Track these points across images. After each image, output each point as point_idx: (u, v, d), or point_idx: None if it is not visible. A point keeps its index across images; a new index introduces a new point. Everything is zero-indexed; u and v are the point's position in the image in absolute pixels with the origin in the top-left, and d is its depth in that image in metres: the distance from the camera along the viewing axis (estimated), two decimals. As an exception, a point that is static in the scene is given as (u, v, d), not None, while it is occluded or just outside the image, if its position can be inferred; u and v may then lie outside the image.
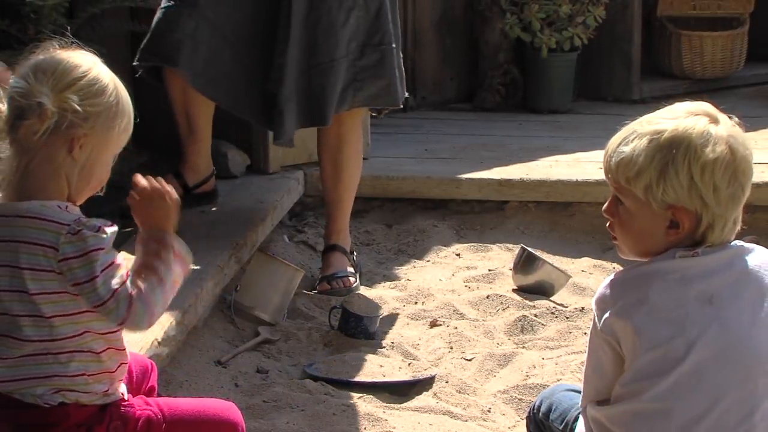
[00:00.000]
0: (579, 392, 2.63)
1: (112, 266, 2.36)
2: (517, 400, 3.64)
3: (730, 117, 2.40)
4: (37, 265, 2.35)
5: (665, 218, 2.36)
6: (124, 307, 2.35)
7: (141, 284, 2.38)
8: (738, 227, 2.41)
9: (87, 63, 2.40)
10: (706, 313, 2.34)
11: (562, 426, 2.64)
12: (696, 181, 2.32)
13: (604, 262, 4.85)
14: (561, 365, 3.87)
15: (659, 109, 2.44)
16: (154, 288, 2.39)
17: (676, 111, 2.39)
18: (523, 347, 4.07)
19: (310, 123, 4.37)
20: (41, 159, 2.37)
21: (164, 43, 4.21)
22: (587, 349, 2.47)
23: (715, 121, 2.37)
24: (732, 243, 2.40)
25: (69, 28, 2.54)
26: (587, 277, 4.72)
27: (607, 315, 2.37)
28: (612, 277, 2.43)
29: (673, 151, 2.32)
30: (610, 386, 2.42)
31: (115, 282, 2.35)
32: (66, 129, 2.35)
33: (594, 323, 2.41)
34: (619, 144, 2.38)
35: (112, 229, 2.38)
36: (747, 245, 2.42)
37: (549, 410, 2.69)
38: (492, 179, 5.33)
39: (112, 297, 2.34)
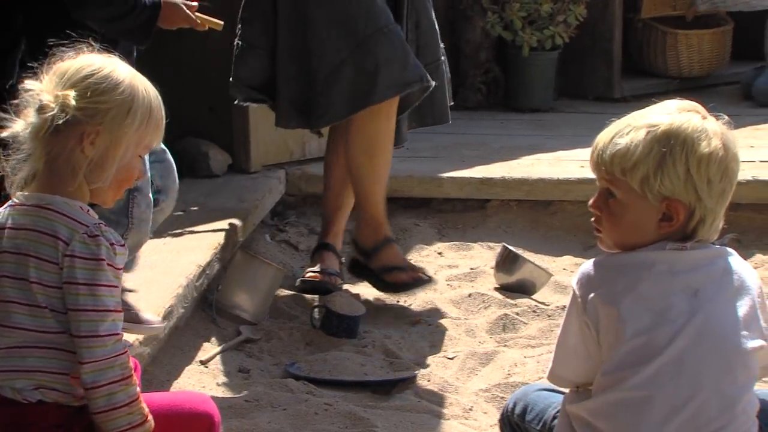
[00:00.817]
0: (553, 391, 2.65)
1: (115, 289, 2.38)
2: (498, 398, 3.64)
3: (718, 117, 2.44)
4: (42, 254, 2.37)
5: (659, 211, 2.38)
6: (107, 350, 2.36)
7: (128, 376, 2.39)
8: (720, 227, 2.44)
9: (100, 62, 2.43)
10: (691, 305, 2.36)
11: (540, 426, 2.64)
12: (692, 174, 2.35)
13: (585, 260, 4.84)
14: (543, 363, 3.87)
15: (640, 107, 2.47)
16: (128, 390, 2.38)
17: (668, 107, 2.43)
18: (505, 346, 4.07)
19: (423, 123, 4.43)
20: (55, 155, 2.40)
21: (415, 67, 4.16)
22: (562, 331, 2.47)
23: (706, 118, 2.41)
24: (713, 244, 2.44)
25: (100, 33, 2.58)
26: (569, 275, 4.72)
27: (592, 296, 2.39)
28: (597, 259, 2.45)
29: (671, 142, 2.35)
30: (589, 369, 2.43)
31: (111, 303, 2.36)
32: (72, 125, 2.37)
33: (574, 304, 2.43)
34: (614, 137, 2.41)
35: (123, 250, 2.41)
36: (726, 248, 2.46)
37: (524, 411, 2.69)
38: (473, 178, 5.34)
39: (103, 325, 2.35)
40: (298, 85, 4.17)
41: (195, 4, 3.58)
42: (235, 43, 4.26)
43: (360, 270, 4.39)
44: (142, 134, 2.44)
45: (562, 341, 2.48)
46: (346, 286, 4.52)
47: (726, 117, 2.45)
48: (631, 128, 2.39)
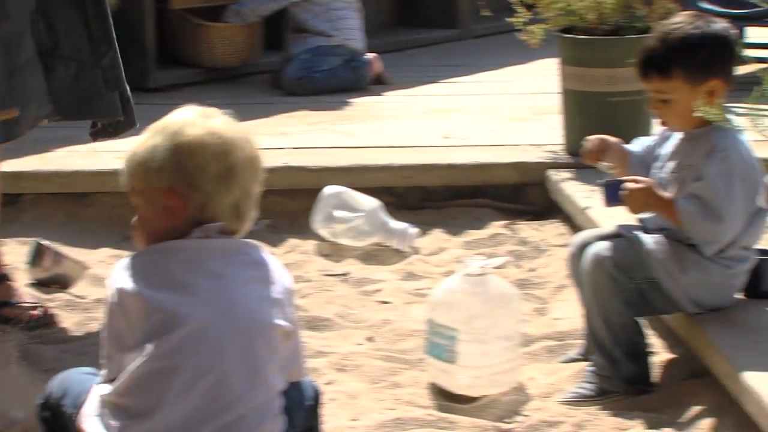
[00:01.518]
0: (92, 375, 2.70)
1: None
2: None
3: (225, 114, 2.60)
4: None
5: (162, 202, 2.53)
6: None
7: None
8: (247, 221, 2.60)
9: None
10: (217, 286, 2.51)
11: (74, 410, 2.65)
12: (182, 164, 2.51)
13: (122, 252, 4.82)
14: (80, 359, 3.81)
15: (176, 96, 2.72)
16: None
17: (180, 111, 2.59)
18: (39, 342, 3.98)
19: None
20: None
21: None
22: (104, 328, 2.54)
23: (207, 114, 2.58)
24: (238, 236, 2.60)
25: None
26: (106, 268, 4.67)
27: (125, 287, 2.49)
28: (130, 256, 2.56)
29: (165, 136, 2.53)
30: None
31: None
32: None
33: (111, 298, 2.51)
34: (134, 147, 2.58)
35: None
36: (255, 242, 2.62)
37: (62, 396, 2.71)
38: (5, 172, 5.16)
39: None
40: None
41: None
42: None
43: None
44: None
45: (106, 338, 2.54)
46: None
47: (231, 114, 2.60)
48: (147, 134, 2.57)
